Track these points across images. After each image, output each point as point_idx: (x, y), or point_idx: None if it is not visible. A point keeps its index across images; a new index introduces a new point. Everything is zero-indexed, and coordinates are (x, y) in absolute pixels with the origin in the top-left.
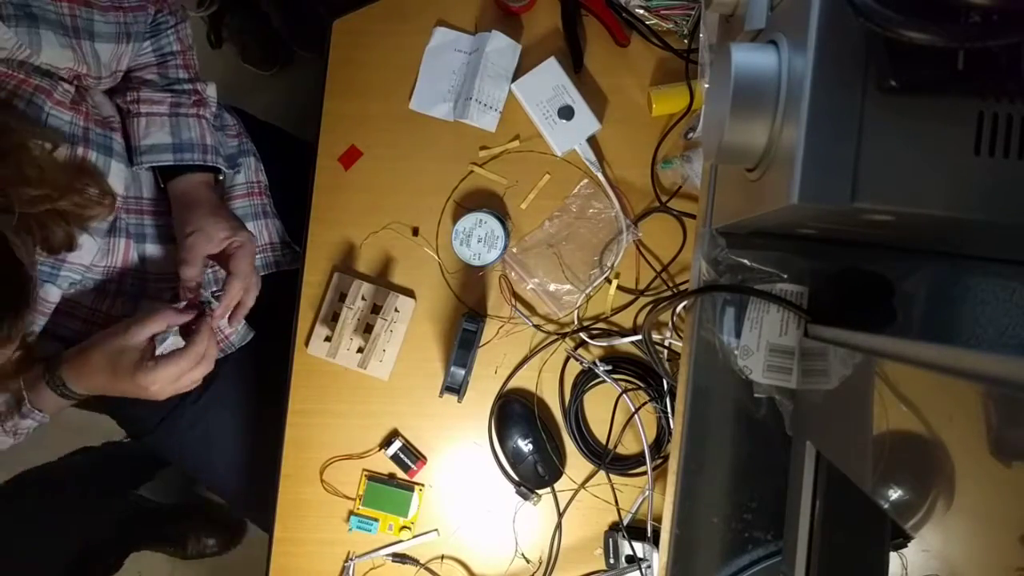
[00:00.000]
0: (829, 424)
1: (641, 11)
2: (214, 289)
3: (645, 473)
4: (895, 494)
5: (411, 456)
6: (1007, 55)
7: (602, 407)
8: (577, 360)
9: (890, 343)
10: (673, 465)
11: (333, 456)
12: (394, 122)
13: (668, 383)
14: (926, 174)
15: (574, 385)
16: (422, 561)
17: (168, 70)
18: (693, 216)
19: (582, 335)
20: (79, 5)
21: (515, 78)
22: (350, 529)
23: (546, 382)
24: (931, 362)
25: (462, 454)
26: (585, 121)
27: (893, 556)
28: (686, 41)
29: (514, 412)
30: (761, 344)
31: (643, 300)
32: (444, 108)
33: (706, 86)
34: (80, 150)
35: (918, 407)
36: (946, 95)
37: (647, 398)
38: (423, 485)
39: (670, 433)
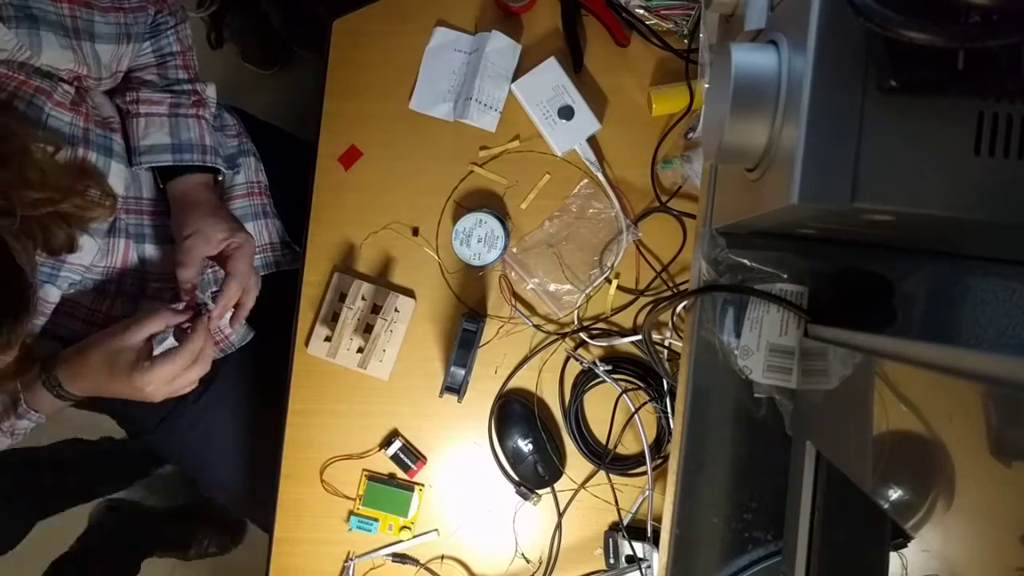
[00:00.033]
0: (829, 424)
1: (641, 11)
2: (214, 290)
3: (645, 473)
4: (895, 494)
5: (411, 456)
6: (1007, 55)
7: (602, 407)
8: (577, 360)
9: (890, 343)
10: (673, 465)
11: (333, 456)
12: (394, 122)
13: (668, 383)
14: (926, 174)
15: (574, 385)
16: (422, 561)
17: (168, 70)
18: (693, 216)
19: (582, 335)
20: (79, 6)
21: (515, 78)
22: (350, 529)
23: (546, 382)
24: (931, 362)
25: (462, 454)
26: (585, 121)
27: (893, 556)
28: (686, 41)
29: (514, 412)
30: (761, 344)
31: (643, 300)
32: (444, 108)
33: (706, 86)
34: (80, 151)
35: (918, 407)
36: (946, 95)
37: (647, 398)
38: (423, 485)
39: (670, 433)
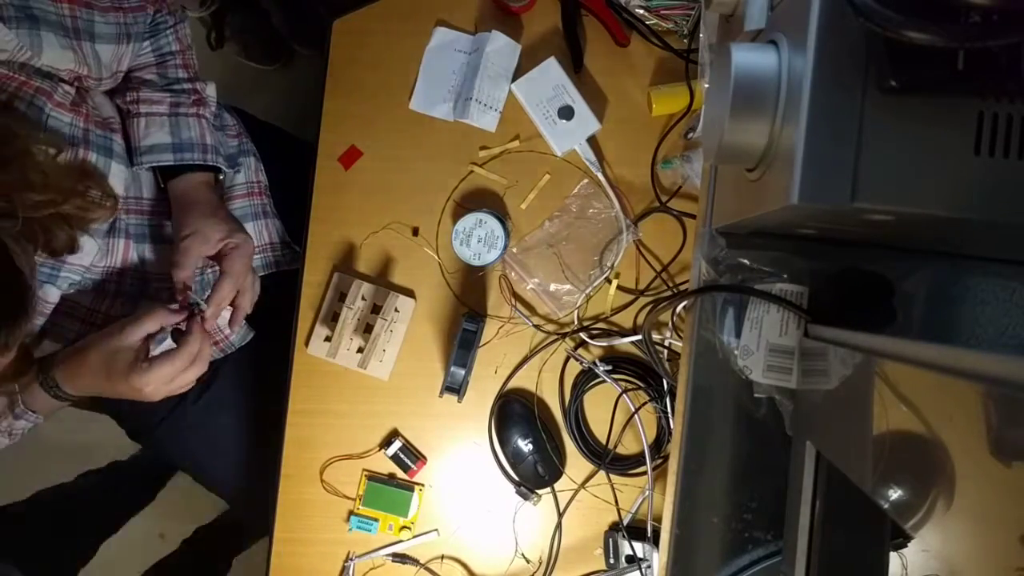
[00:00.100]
0: (829, 424)
1: (641, 11)
2: None
3: (645, 473)
4: (895, 494)
5: (411, 456)
6: (1007, 55)
7: (602, 407)
8: (577, 360)
9: (890, 343)
10: (673, 465)
11: (333, 456)
12: (394, 122)
13: (668, 383)
14: (926, 174)
15: (574, 385)
16: (422, 561)
17: (167, 70)
18: (693, 216)
19: (582, 335)
20: (80, 6)
21: (515, 78)
22: (350, 529)
23: (546, 382)
24: (931, 362)
25: (462, 454)
26: (585, 121)
27: (893, 556)
28: (686, 41)
29: (514, 412)
30: (761, 344)
31: (643, 300)
32: (444, 108)
33: (706, 86)
34: (81, 152)
35: (918, 407)
36: (946, 95)
37: (647, 398)
38: (423, 485)
39: (670, 433)
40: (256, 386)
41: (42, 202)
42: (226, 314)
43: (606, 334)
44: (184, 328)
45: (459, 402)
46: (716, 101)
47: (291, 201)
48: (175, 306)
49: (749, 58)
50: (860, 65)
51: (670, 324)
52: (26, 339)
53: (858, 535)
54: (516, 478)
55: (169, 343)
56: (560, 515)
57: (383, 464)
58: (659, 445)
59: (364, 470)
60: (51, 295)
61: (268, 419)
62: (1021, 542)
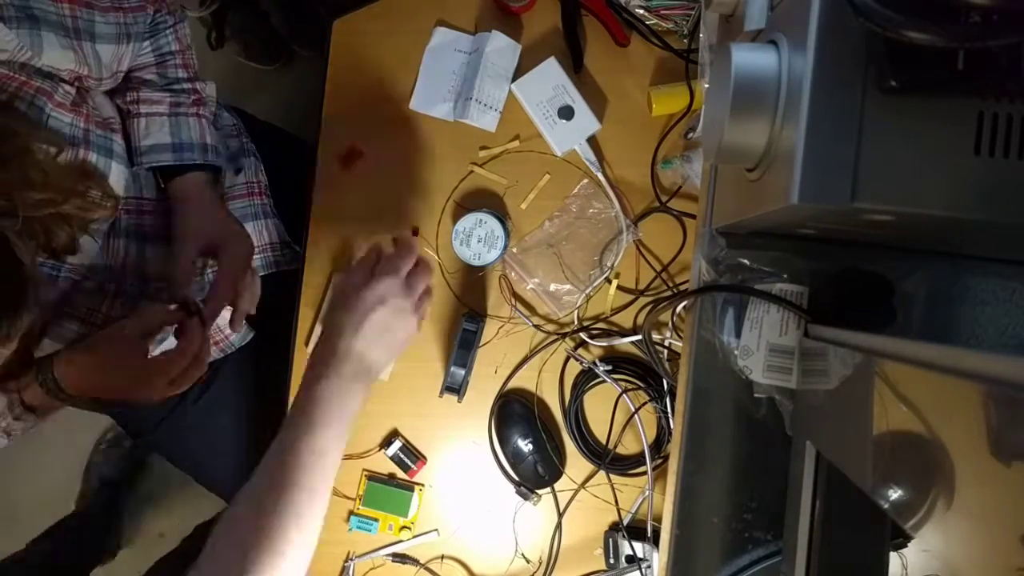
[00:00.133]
0: (829, 424)
1: (641, 11)
2: None
3: (645, 473)
4: (895, 494)
5: (411, 456)
6: (1007, 55)
7: (602, 407)
8: (577, 360)
9: (890, 343)
10: (673, 465)
11: None
12: (394, 122)
13: (668, 383)
14: (926, 174)
15: (574, 385)
16: (422, 561)
17: (167, 70)
18: (693, 216)
19: (582, 335)
20: (80, 6)
21: (515, 78)
22: (350, 529)
23: (546, 382)
24: (931, 362)
25: (462, 454)
26: (585, 121)
27: (893, 556)
28: (686, 41)
29: (514, 412)
30: (761, 344)
31: (643, 300)
32: (444, 108)
33: (706, 86)
34: (81, 152)
35: (918, 407)
36: (946, 95)
37: (647, 398)
38: (423, 485)
39: (670, 433)
40: (256, 386)
41: (42, 201)
42: (226, 314)
43: (606, 334)
44: (184, 328)
45: (459, 402)
46: (716, 101)
47: (291, 201)
48: (174, 307)
49: (749, 58)
50: (860, 65)
51: (670, 324)
52: (27, 331)
53: (858, 535)
54: (516, 478)
55: (169, 343)
56: (560, 515)
57: (383, 464)
58: (659, 445)
59: (364, 470)
60: (51, 295)
61: (268, 419)
62: (1021, 542)
